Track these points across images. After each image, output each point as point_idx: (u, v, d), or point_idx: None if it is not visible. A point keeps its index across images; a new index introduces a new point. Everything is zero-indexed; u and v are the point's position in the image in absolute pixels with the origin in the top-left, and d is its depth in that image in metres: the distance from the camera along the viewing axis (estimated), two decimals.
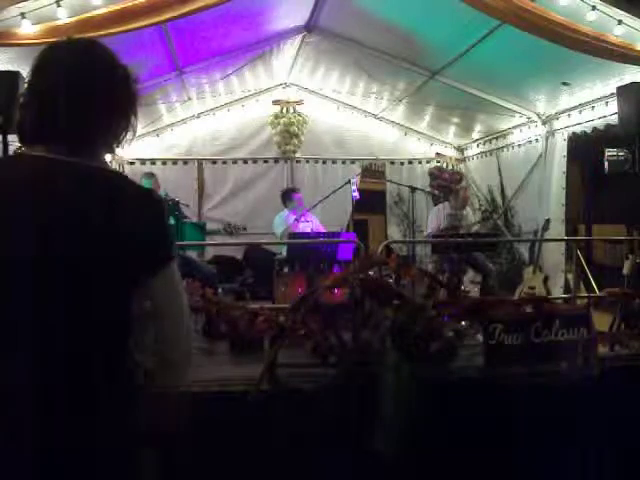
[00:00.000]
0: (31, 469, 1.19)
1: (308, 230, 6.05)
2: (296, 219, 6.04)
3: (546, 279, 5.73)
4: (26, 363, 1.21)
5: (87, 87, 1.31)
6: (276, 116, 7.61)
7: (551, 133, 6.21)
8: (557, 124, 6.11)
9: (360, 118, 7.96)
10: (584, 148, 6.41)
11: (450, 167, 8.25)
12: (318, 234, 5.92)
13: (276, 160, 7.83)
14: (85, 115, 1.30)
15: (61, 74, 1.30)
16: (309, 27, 5.88)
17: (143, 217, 1.29)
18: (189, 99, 6.85)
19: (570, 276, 5.61)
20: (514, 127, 6.89)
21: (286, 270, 5.59)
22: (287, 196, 6.40)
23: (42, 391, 1.21)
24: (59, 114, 1.27)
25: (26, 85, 1.34)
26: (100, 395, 1.24)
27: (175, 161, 7.57)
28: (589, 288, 4.89)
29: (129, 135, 1.38)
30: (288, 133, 7.60)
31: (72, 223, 1.23)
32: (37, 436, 1.19)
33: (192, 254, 5.84)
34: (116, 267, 1.25)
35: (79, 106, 1.29)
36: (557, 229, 5.92)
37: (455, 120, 7.54)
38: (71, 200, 1.24)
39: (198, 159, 7.63)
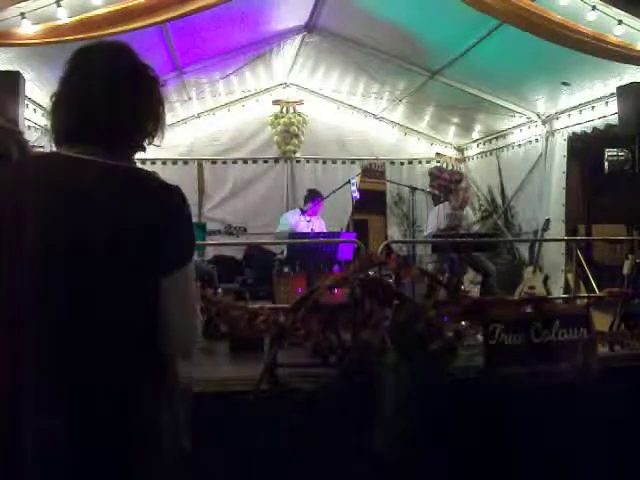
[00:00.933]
0: (63, 466, 1.21)
1: (308, 230, 6.06)
2: (292, 223, 6.09)
3: (546, 279, 5.73)
4: (54, 359, 1.22)
5: (122, 89, 1.34)
6: (276, 116, 7.61)
7: (551, 133, 6.21)
8: (557, 124, 6.12)
9: (360, 118, 7.95)
10: (584, 148, 6.42)
11: (450, 167, 8.24)
12: (318, 234, 5.93)
13: (276, 160, 7.82)
14: (119, 116, 1.33)
15: (96, 76, 1.32)
16: (309, 27, 5.88)
17: (171, 213, 1.31)
18: (189, 99, 6.85)
19: (570, 276, 5.62)
20: (514, 127, 6.89)
21: (286, 270, 5.60)
22: (310, 197, 6.37)
23: (66, 391, 1.22)
24: (94, 115, 1.31)
25: (59, 86, 1.35)
26: (129, 395, 1.26)
27: (175, 161, 7.57)
28: (589, 288, 4.89)
29: (160, 134, 1.41)
30: (288, 133, 7.60)
31: (101, 222, 1.25)
32: (65, 435, 1.20)
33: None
34: (143, 265, 1.28)
35: (113, 107, 1.32)
36: (557, 229, 5.92)
37: (455, 120, 7.54)
38: (102, 200, 1.26)
39: (198, 159, 7.63)
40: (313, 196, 6.32)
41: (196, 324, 1.43)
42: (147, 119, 1.37)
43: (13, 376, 1.24)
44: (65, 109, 1.34)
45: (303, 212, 6.22)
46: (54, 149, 1.38)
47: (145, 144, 1.40)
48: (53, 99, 1.36)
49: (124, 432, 1.25)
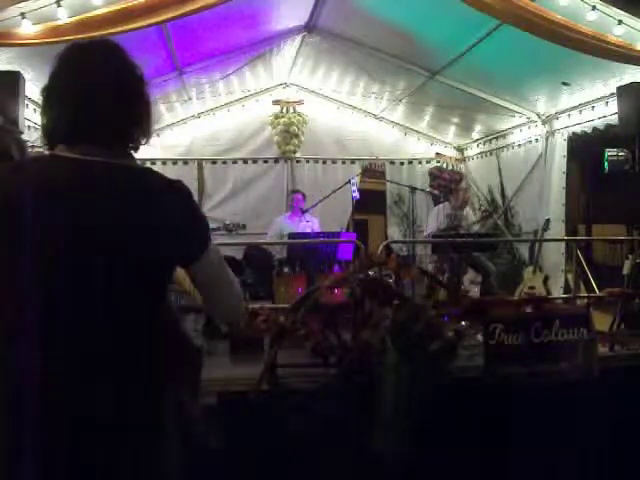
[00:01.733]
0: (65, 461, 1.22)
1: (298, 230, 6.11)
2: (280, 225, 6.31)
3: (546, 279, 5.73)
4: (68, 362, 1.23)
5: (119, 87, 1.33)
6: (276, 116, 7.61)
7: (551, 133, 6.21)
8: (557, 124, 6.12)
9: (360, 118, 7.96)
10: (584, 148, 6.42)
11: (450, 167, 8.24)
12: (318, 234, 5.95)
13: (276, 160, 7.82)
14: (118, 114, 1.33)
15: (92, 73, 1.32)
16: (309, 27, 5.88)
17: (177, 208, 1.33)
18: (189, 99, 6.85)
19: (570, 276, 5.62)
20: (514, 127, 6.89)
21: (286, 270, 5.61)
22: (290, 196, 6.58)
23: (71, 390, 1.23)
24: (93, 114, 1.30)
25: (51, 82, 1.33)
26: (134, 395, 1.27)
27: (175, 161, 7.57)
28: (589, 288, 4.89)
29: (149, 133, 1.42)
30: (288, 133, 7.60)
31: (113, 223, 1.25)
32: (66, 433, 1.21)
33: None
34: (157, 261, 1.30)
35: (112, 106, 1.32)
36: (557, 229, 5.92)
37: (455, 120, 7.54)
38: (110, 200, 1.27)
39: (198, 159, 7.63)
40: (293, 194, 6.60)
41: (239, 297, 1.50)
42: (142, 117, 1.38)
43: (23, 376, 1.25)
44: (62, 106, 1.32)
45: (303, 212, 6.29)
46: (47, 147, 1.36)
47: (141, 142, 1.41)
48: (44, 94, 1.34)
49: (125, 434, 1.25)
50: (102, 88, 1.31)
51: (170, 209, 1.31)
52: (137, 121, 1.37)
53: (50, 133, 1.34)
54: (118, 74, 1.34)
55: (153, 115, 1.43)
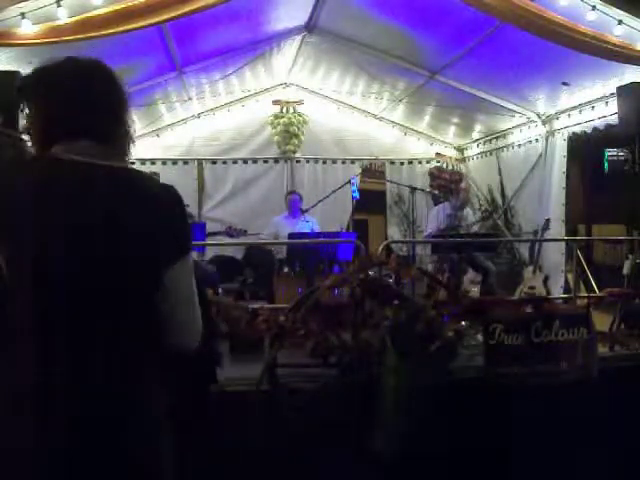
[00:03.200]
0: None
1: (294, 230, 6.13)
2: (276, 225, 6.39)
3: (546, 279, 5.72)
4: (63, 360, 1.23)
5: (110, 91, 1.39)
6: (276, 116, 7.61)
7: (551, 133, 6.21)
8: (557, 124, 6.12)
9: (360, 118, 7.96)
10: (584, 148, 6.41)
11: (450, 167, 8.25)
12: (318, 234, 5.96)
13: (276, 160, 7.83)
14: (112, 117, 1.38)
15: (82, 81, 1.35)
16: (309, 27, 5.88)
17: (168, 212, 1.35)
18: (189, 99, 6.84)
19: (570, 276, 5.62)
20: (514, 127, 6.89)
21: (286, 270, 5.61)
22: (286, 197, 6.64)
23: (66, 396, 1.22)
24: (91, 116, 1.34)
25: (54, 86, 1.36)
26: (130, 398, 1.28)
27: (175, 161, 7.57)
28: (589, 288, 4.89)
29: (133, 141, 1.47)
30: (288, 133, 7.60)
31: (106, 225, 1.27)
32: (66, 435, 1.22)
33: (193, 254, 5.84)
34: (145, 264, 1.30)
35: (107, 109, 1.37)
36: (557, 229, 5.92)
37: (455, 120, 7.54)
38: (104, 202, 1.28)
39: (198, 159, 7.63)
40: (289, 195, 6.68)
41: (199, 322, 1.42)
42: (130, 122, 1.44)
43: (22, 376, 1.25)
44: (59, 110, 1.34)
45: (303, 212, 6.31)
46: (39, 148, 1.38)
47: (130, 146, 1.45)
48: (40, 96, 1.37)
49: (124, 434, 1.26)
50: (95, 92, 1.36)
51: (162, 212, 1.33)
52: (126, 125, 1.41)
53: (44, 134, 1.36)
54: (106, 80, 1.39)
55: (134, 124, 1.48)
